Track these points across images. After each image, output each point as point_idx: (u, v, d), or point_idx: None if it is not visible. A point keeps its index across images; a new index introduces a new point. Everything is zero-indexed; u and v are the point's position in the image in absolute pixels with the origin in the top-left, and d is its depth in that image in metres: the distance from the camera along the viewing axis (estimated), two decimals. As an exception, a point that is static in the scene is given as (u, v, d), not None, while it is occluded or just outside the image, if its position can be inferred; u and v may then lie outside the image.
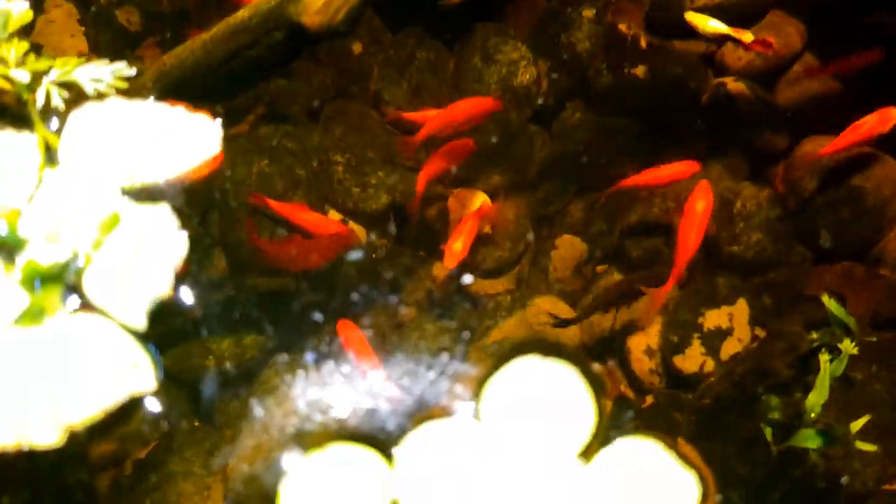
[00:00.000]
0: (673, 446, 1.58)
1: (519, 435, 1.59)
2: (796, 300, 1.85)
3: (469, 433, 1.58)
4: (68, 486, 1.53)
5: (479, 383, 1.64)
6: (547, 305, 1.90)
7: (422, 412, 1.65)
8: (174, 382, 1.70)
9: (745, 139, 2.04)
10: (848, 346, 1.65)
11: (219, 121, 1.58)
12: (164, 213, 1.68)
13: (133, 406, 1.58)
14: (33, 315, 1.60)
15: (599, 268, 1.97)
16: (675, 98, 2.08)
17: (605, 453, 1.57)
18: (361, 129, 2.08)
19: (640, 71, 2.09)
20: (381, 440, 1.57)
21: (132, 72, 1.65)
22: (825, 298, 1.71)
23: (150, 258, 1.69)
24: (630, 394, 1.75)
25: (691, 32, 1.89)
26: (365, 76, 2.14)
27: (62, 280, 1.71)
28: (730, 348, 1.83)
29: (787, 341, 1.77)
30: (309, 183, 2.00)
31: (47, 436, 1.51)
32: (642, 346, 1.84)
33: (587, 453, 1.57)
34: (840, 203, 1.92)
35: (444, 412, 1.64)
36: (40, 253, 1.67)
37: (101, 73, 1.66)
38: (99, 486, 1.55)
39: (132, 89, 1.69)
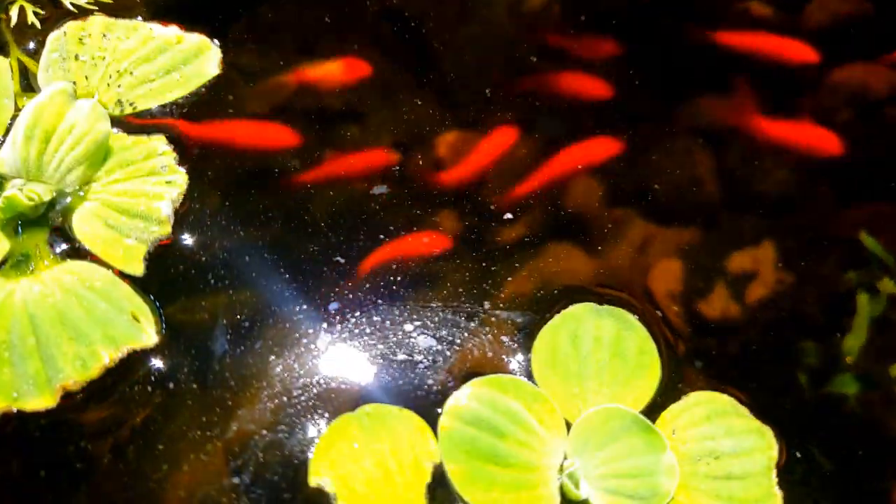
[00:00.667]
0: (746, 399, 1.54)
1: (575, 390, 1.53)
2: (826, 241, 1.77)
3: (519, 390, 1.51)
4: (64, 454, 1.45)
5: (528, 335, 1.59)
6: (562, 251, 1.80)
7: (464, 368, 1.58)
8: (179, 337, 1.58)
9: (770, 69, 1.96)
10: (888, 286, 1.62)
11: (217, 42, 1.49)
12: (160, 146, 1.57)
13: (134, 363, 1.50)
14: (17, 262, 1.49)
15: (619, 210, 1.88)
16: (695, 24, 2.00)
17: (674, 408, 1.52)
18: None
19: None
20: (418, 399, 1.51)
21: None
22: (863, 236, 1.68)
23: (146, 195, 1.59)
24: (672, 340, 1.70)
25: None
26: (362, 4, 2.02)
27: (48, 221, 1.60)
28: (756, 292, 1.74)
29: (821, 283, 1.71)
30: (305, 125, 1.88)
31: (39, 398, 1.43)
32: (664, 290, 1.76)
33: (653, 408, 1.52)
34: (874, 136, 1.86)
35: (491, 368, 1.56)
36: (21, 191, 1.54)
37: (81, -12, 1.55)
38: (99, 454, 1.46)
39: (118, 6, 1.57)
